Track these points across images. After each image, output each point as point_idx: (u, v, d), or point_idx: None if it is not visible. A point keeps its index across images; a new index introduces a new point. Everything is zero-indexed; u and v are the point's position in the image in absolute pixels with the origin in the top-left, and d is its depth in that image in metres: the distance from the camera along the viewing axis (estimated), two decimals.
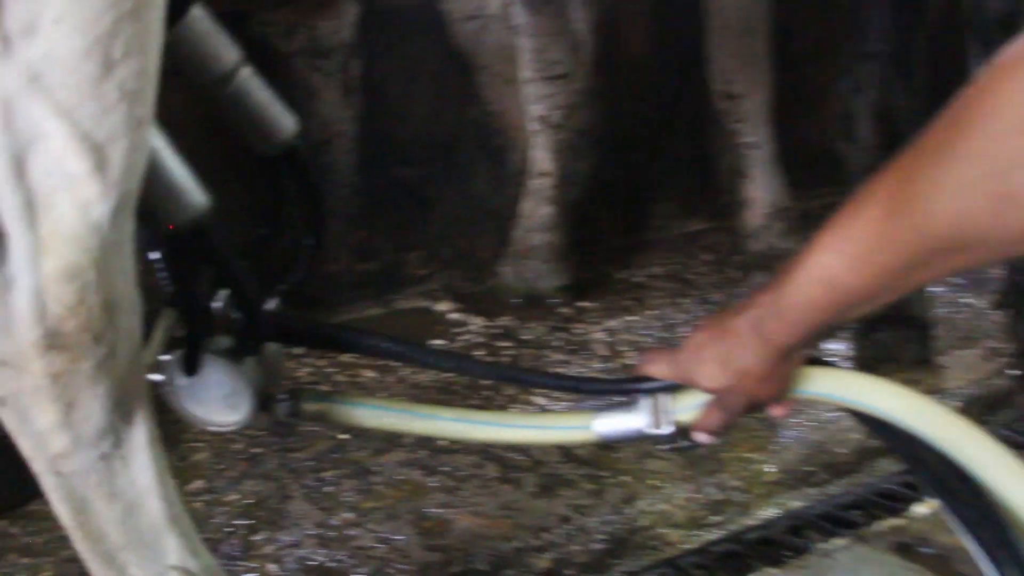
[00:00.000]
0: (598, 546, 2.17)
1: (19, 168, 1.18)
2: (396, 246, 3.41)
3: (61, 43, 1.14)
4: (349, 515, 2.22)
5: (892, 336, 2.76)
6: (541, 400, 2.63)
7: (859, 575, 2.16)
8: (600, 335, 3.14)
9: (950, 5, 2.70)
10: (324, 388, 2.74)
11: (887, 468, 2.46)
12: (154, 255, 1.43)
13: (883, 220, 1.12)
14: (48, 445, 1.31)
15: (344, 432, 2.46)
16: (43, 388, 1.27)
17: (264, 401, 1.58)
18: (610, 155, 3.61)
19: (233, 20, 2.74)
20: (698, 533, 2.25)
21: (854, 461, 2.49)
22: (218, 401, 1.56)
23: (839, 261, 1.20)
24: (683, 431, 1.50)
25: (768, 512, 2.33)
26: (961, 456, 1.33)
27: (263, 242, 1.65)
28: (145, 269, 1.44)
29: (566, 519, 2.24)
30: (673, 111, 3.77)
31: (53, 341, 1.24)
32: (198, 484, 2.33)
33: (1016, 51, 0.97)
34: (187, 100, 1.61)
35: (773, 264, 3.38)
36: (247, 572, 2.05)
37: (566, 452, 2.45)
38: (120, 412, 1.33)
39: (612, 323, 3.21)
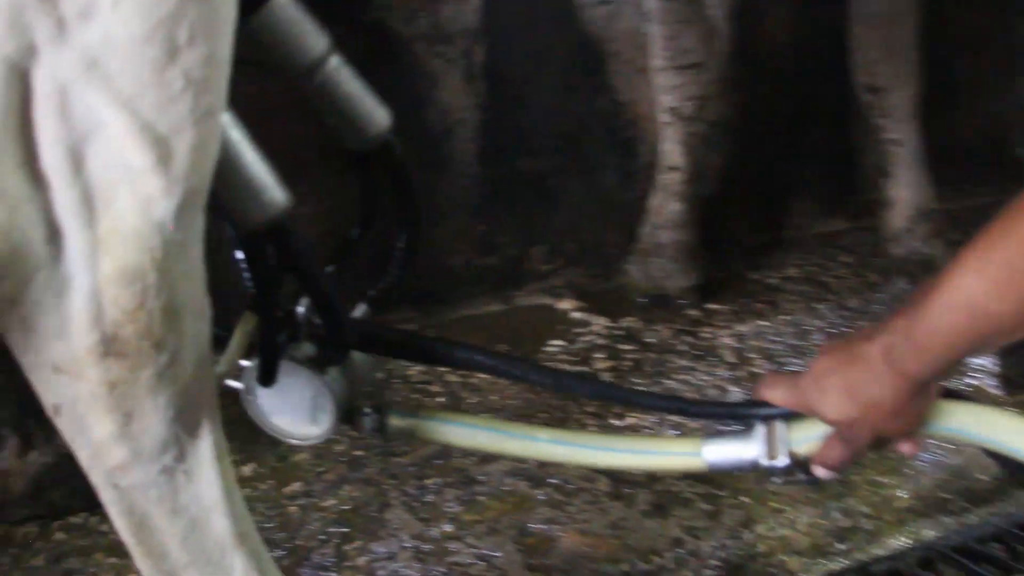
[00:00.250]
0: (711, 572, 2.03)
1: (76, 161, 1.09)
2: (518, 240, 3.29)
3: (120, 26, 1.05)
4: (448, 527, 2.12)
5: None
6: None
7: None
8: (728, 340, 2.99)
9: None
10: (434, 388, 2.64)
11: None
12: (239, 255, 1.35)
13: None
14: (105, 457, 1.23)
15: None
16: (99, 397, 1.18)
17: (348, 414, 1.49)
18: (746, 149, 3.42)
19: (351, 4, 2.70)
20: (821, 562, 2.08)
21: (995, 489, 2.29)
22: (299, 412, 1.47)
23: (983, 285, 1.06)
24: (800, 464, 1.38)
25: (898, 542, 2.15)
26: None
27: (354, 245, 1.55)
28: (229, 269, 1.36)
29: (678, 542, 2.10)
30: (815, 103, 3.57)
31: (110, 347, 1.16)
32: (296, 487, 2.25)
33: None
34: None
35: (916, 270, 3.19)
36: None
37: None
38: (183, 424, 1.24)
39: (742, 328, 3.05)
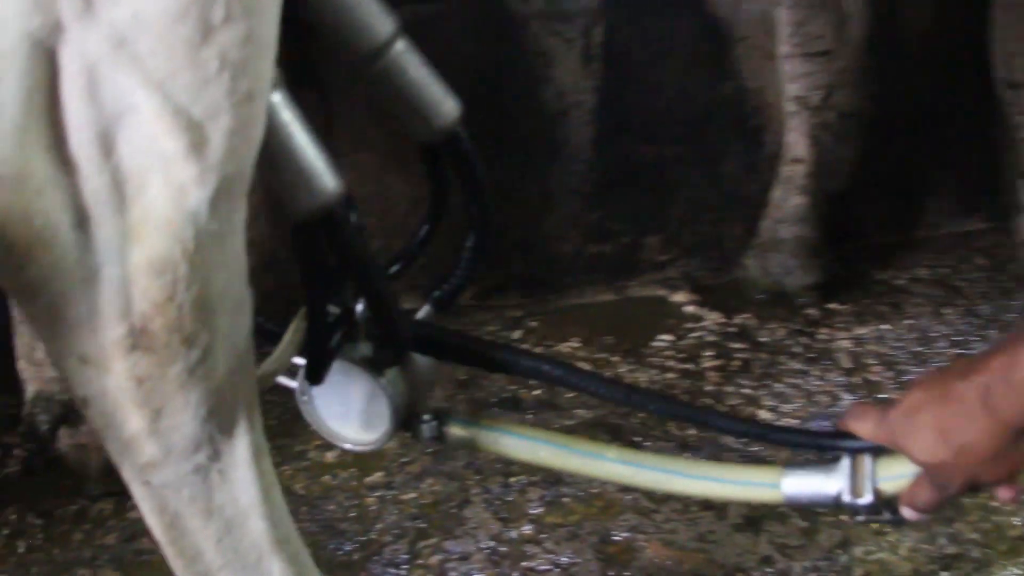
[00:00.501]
0: None
1: (106, 145, 1.03)
2: (633, 229, 3.18)
3: (150, 3, 0.98)
4: (528, 529, 2.04)
5: None
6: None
7: None
8: (846, 343, 2.84)
9: None
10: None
11: None
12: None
13: None
14: (135, 453, 1.18)
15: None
16: (127, 391, 1.13)
17: (406, 420, 1.41)
18: (878, 142, 3.25)
19: None
20: None
21: None
22: (354, 416, 1.40)
23: None
24: (886, 502, 1.26)
25: (1009, 573, 2.00)
26: None
27: (421, 243, 1.46)
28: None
29: (768, 560, 1.98)
30: (955, 96, 3.36)
31: (138, 341, 1.10)
32: (377, 476, 2.20)
33: None
34: None
35: None
36: None
37: None
38: (218, 422, 1.18)
39: (862, 330, 2.89)
